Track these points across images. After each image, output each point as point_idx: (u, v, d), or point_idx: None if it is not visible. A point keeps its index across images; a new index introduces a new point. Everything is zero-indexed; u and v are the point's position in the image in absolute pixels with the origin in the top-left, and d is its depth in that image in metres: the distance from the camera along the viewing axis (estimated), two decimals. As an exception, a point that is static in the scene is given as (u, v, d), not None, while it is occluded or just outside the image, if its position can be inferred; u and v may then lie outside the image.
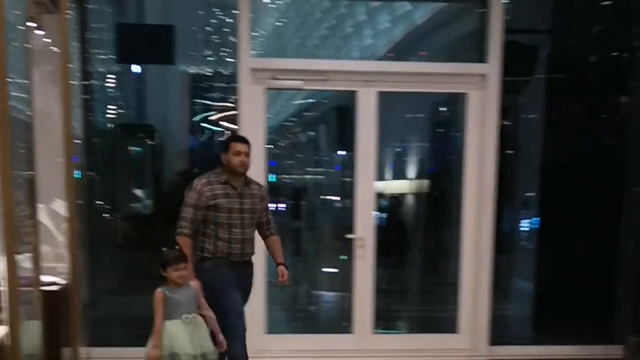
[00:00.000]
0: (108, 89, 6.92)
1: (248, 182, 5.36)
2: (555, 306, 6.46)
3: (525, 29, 6.60)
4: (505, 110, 6.15)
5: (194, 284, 4.90)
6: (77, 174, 5.51)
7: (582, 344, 6.23)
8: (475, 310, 6.24)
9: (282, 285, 5.60)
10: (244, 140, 5.32)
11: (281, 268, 5.49)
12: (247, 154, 5.26)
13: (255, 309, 5.97)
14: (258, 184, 5.49)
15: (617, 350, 6.08)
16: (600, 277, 6.39)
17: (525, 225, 7.03)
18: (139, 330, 6.56)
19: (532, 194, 6.89)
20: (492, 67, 5.92)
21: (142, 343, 6.14)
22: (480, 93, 6.01)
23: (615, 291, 6.34)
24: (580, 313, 6.31)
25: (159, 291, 4.78)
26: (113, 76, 6.81)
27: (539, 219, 6.77)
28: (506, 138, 6.24)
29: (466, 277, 6.24)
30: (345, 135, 6.26)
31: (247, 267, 5.41)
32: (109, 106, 6.97)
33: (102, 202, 6.93)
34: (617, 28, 6.45)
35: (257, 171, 5.91)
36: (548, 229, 6.70)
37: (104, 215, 7.01)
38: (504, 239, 6.70)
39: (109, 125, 7.04)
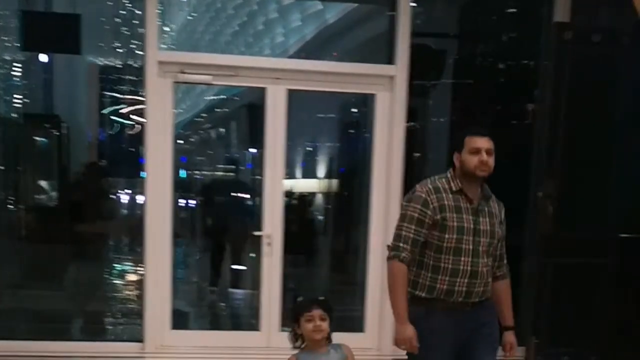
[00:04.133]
0: (13, 78, 6.76)
1: (488, 195, 4.10)
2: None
3: (434, 33, 6.68)
4: (414, 113, 6.20)
5: (346, 349, 3.80)
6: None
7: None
8: (381, 310, 6.25)
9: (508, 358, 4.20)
10: (484, 133, 4.05)
11: (509, 336, 4.14)
12: (490, 152, 4.00)
13: (161, 304, 5.90)
14: (497, 201, 4.19)
15: (519, 352, 6.18)
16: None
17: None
18: (42, 324, 6.49)
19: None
20: (400, 69, 5.93)
21: (45, 337, 6.08)
22: (388, 94, 6.02)
23: (517, 294, 6.44)
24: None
25: (292, 357, 3.71)
26: (19, 65, 6.66)
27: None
28: (414, 140, 6.30)
29: (373, 277, 6.22)
30: (256, 133, 6.20)
31: (476, 311, 4.05)
32: (13, 95, 6.82)
33: (5, 193, 6.77)
34: (524, 36, 6.58)
35: (165, 167, 5.80)
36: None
37: (7, 206, 6.86)
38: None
39: (14, 114, 6.88)
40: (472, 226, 3.97)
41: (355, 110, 7.27)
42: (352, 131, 7.49)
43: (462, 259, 3.95)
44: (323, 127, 8.16)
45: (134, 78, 6.86)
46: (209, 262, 7.59)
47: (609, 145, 5.84)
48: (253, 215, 6.33)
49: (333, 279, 7.72)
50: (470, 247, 3.96)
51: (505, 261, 4.22)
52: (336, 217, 7.89)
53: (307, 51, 7.20)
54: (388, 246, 4.09)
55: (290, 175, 6.93)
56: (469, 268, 3.96)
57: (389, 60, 6.01)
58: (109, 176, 7.42)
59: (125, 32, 6.96)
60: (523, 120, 6.40)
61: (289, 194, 6.70)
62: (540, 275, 5.93)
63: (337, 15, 7.14)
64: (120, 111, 7.23)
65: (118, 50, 7.09)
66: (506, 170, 6.44)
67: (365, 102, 6.28)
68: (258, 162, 6.20)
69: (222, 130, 8.55)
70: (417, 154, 6.61)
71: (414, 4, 5.92)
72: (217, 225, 7.71)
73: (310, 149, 8.30)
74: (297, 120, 6.11)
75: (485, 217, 4.02)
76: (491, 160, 3.99)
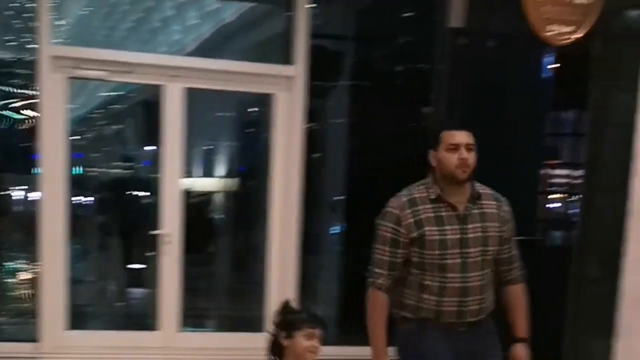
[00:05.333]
0: None
1: (477, 194, 3.64)
2: (360, 309, 6.56)
3: (332, 34, 6.71)
4: (313, 114, 6.21)
5: None
6: None
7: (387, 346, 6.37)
8: (281, 310, 6.28)
9: None
10: (461, 127, 3.62)
11: (518, 350, 3.71)
12: (470, 147, 3.57)
13: (56, 303, 5.78)
14: (496, 198, 3.74)
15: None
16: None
17: (331, 227, 7.13)
18: None
19: (339, 198, 6.99)
20: (298, 70, 5.94)
21: None
22: (286, 95, 6.02)
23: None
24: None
25: None
26: None
27: (344, 221, 6.90)
28: (313, 141, 6.31)
29: (273, 277, 6.24)
30: (153, 130, 6.09)
31: (475, 332, 3.65)
32: None
33: None
34: (420, 40, 6.62)
35: (59, 164, 5.66)
36: (353, 233, 6.80)
37: None
38: (311, 241, 6.77)
39: None
40: (457, 237, 3.55)
41: (254, 109, 7.25)
42: (251, 130, 7.48)
43: (449, 275, 3.55)
44: (222, 126, 8.13)
45: (27, 72, 6.65)
46: (107, 260, 7.49)
47: (504, 148, 5.94)
48: (151, 214, 6.24)
49: (233, 278, 7.70)
50: (457, 261, 3.55)
51: (516, 264, 3.81)
52: (236, 216, 7.87)
53: (204, 49, 7.12)
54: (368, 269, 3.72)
55: (188, 173, 6.86)
56: (457, 285, 3.55)
57: (288, 60, 6.00)
58: (0, 172, 7.22)
59: (17, 25, 6.74)
60: (420, 123, 6.48)
61: (187, 193, 6.62)
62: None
63: (234, 14, 7.09)
64: (12, 105, 7.05)
65: (9, 43, 6.87)
66: (404, 173, 6.59)
67: (264, 101, 6.26)
68: (155, 160, 6.10)
69: (118, 127, 8.46)
70: (317, 155, 6.64)
71: (311, 5, 5.91)
72: (114, 223, 7.61)
73: (209, 147, 8.28)
74: (195, 119, 6.04)
75: (476, 223, 3.59)
76: (472, 157, 3.57)
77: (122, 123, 8.43)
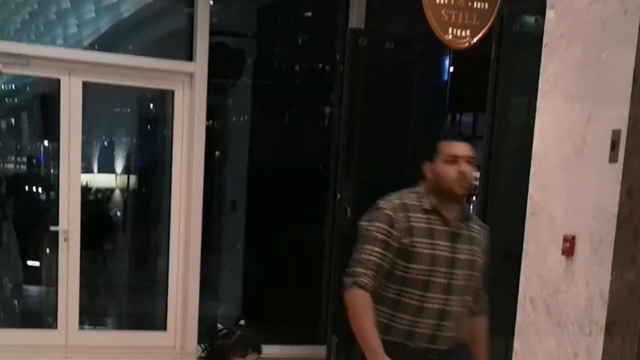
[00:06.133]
0: None
1: (468, 215, 3.40)
2: (263, 307, 6.56)
3: (233, 32, 6.71)
4: (214, 111, 6.19)
5: None
6: None
7: (288, 344, 6.36)
8: (184, 308, 6.21)
9: None
10: (461, 139, 3.34)
11: None
12: (470, 161, 3.26)
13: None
14: (480, 224, 3.47)
15: (321, 350, 6.24)
16: (305, 280, 6.56)
17: (234, 226, 7.11)
18: None
19: (242, 196, 6.98)
20: (199, 67, 5.90)
21: None
22: (187, 91, 5.98)
23: (319, 293, 6.52)
24: (287, 314, 6.44)
25: None
26: None
27: (247, 220, 6.88)
28: (215, 139, 6.29)
29: (175, 275, 6.19)
30: (49, 125, 5.97)
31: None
32: None
33: None
34: (321, 40, 6.71)
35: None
36: (256, 231, 6.82)
37: None
38: (214, 239, 6.76)
39: None
40: (447, 255, 3.24)
41: (154, 106, 7.18)
42: (151, 127, 7.41)
43: (432, 295, 3.22)
44: (121, 122, 8.04)
45: None
46: (3, 257, 7.29)
47: (402, 147, 5.98)
48: (49, 210, 6.13)
49: (134, 276, 7.60)
50: (443, 281, 3.22)
51: (484, 294, 3.52)
52: (136, 213, 7.78)
53: (103, 44, 7.01)
54: (345, 271, 3.29)
55: (87, 169, 6.75)
56: (437, 307, 3.23)
57: (188, 57, 5.96)
58: None
59: None
60: (321, 123, 6.51)
61: (87, 189, 6.53)
62: (340, 275, 6.03)
63: (132, 9, 7.02)
64: None
65: None
66: (307, 172, 6.62)
67: (165, 98, 6.20)
68: (52, 156, 5.97)
69: (13, 120, 8.27)
70: (218, 152, 6.61)
71: (211, 2, 5.90)
72: (10, 220, 7.42)
73: (108, 143, 8.16)
74: (94, 114, 5.95)
75: (466, 244, 3.31)
76: (471, 172, 3.27)
77: (18, 117, 8.25)
